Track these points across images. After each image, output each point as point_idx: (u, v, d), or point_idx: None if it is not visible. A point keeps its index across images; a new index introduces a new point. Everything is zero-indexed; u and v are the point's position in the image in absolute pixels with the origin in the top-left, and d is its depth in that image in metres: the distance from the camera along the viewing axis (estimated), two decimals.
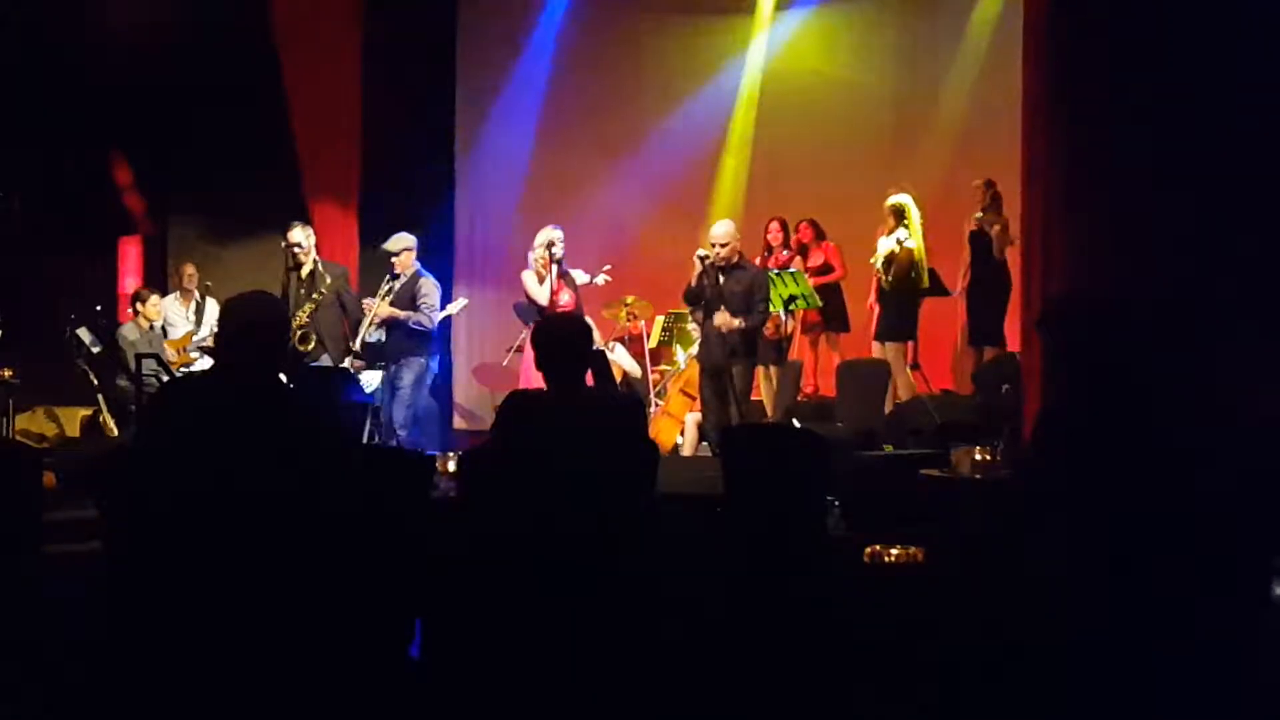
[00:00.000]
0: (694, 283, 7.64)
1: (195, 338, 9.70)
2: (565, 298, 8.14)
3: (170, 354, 9.42)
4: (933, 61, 10.80)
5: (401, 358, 8.28)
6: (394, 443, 8.08)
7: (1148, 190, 5.53)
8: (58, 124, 10.19)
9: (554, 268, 8.10)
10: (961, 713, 3.16)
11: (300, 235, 8.38)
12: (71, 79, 10.13)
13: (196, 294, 10.06)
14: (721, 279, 7.57)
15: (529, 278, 8.24)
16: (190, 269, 10.16)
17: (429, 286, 8.32)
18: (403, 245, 8.39)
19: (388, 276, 8.38)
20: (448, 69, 11.55)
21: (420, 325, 8.26)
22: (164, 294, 10.10)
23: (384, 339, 8.46)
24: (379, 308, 8.22)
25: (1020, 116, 6.36)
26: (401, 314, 8.20)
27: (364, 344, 8.30)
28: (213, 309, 9.92)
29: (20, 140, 9.97)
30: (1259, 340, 5.21)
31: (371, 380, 9.23)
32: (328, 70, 10.44)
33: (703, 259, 7.59)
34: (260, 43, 10.23)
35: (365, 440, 8.99)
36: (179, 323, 9.93)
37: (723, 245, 7.55)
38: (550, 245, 8.11)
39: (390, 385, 8.29)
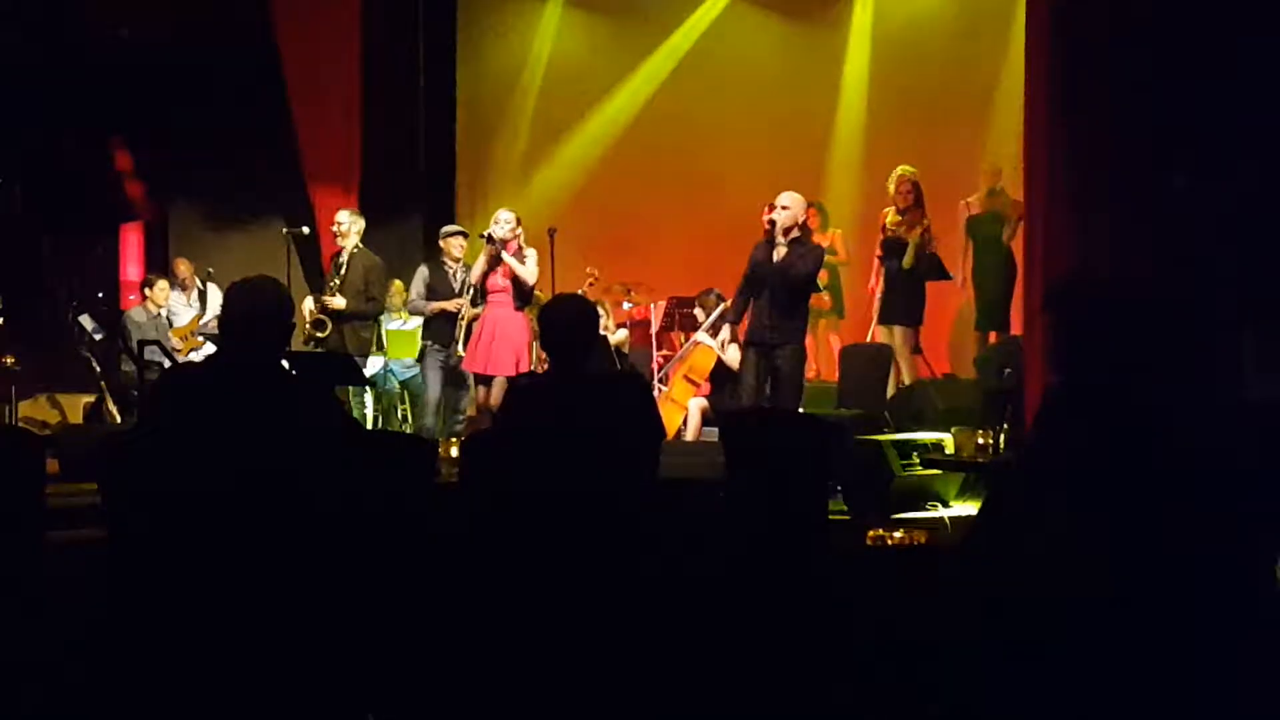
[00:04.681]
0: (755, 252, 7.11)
1: (200, 322, 9.71)
2: (502, 282, 7.80)
3: (176, 341, 9.44)
4: (930, 41, 10.76)
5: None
6: (457, 427, 8.11)
7: (1149, 175, 5.53)
8: (58, 110, 10.19)
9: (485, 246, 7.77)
10: (964, 696, 3.16)
11: (347, 215, 8.39)
12: (72, 65, 10.12)
13: (197, 282, 10.05)
14: (776, 252, 7.01)
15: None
16: (184, 265, 10.12)
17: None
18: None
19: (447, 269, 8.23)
20: (448, 51, 11.53)
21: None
22: (170, 280, 10.11)
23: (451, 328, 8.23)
24: (469, 311, 7.99)
25: (1023, 98, 6.36)
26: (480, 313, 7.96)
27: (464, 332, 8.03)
28: (214, 294, 9.93)
29: (21, 127, 9.97)
30: (1260, 323, 5.22)
31: (373, 365, 9.25)
32: (328, 55, 10.43)
33: (770, 224, 7.02)
34: (260, 28, 10.22)
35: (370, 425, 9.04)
36: (181, 311, 9.94)
37: (783, 208, 6.99)
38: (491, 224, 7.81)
39: (452, 371, 8.19)
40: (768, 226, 7.03)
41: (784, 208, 6.99)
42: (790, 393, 7.04)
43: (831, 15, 11.14)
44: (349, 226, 8.35)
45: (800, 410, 7.12)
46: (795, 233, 7.01)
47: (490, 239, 7.72)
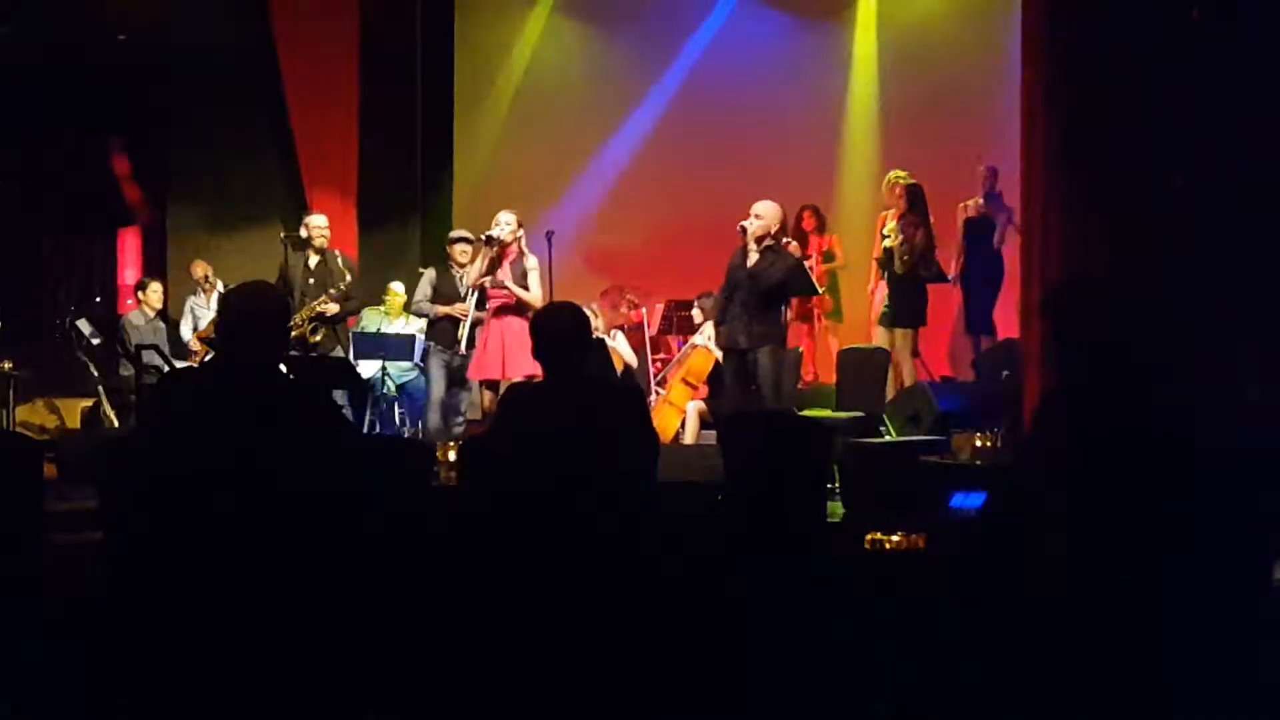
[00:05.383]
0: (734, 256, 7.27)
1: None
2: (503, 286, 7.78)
3: (195, 344, 9.44)
4: (929, 43, 10.77)
5: (470, 349, 8.07)
6: (457, 429, 8.11)
7: (1147, 176, 5.53)
8: (56, 113, 10.18)
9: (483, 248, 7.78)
10: (963, 699, 3.16)
11: (323, 220, 8.40)
12: (70, 67, 10.11)
13: (218, 284, 9.99)
14: (749, 260, 7.18)
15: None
16: (201, 266, 10.05)
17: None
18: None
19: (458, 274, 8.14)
20: (446, 53, 11.53)
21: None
22: (165, 282, 10.06)
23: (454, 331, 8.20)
24: (473, 314, 7.93)
25: (1020, 100, 6.36)
26: (483, 316, 7.92)
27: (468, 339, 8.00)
28: None
29: (19, 129, 9.96)
30: (1259, 324, 5.22)
31: (371, 369, 9.25)
32: (326, 58, 10.43)
33: (741, 230, 7.19)
34: (258, 31, 10.22)
35: (366, 428, 9.04)
36: (204, 315, 9.88)
37: (756, 217, 7.14)
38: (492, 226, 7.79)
39: (455, 373, 8.15)
40: (740, 233, 7.18)
41: (757, 216, 7.16)
42: (771, 394, 7.14)
43: (837, 18, 11.16)
44: (329, 231, 8.40)
45: (789, 412, 7.16)
46: (768, 241, 7.17)
47: (491, 241, 7.70)
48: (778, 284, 7.19)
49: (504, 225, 7.74)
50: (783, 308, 7.46)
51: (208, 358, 9.24)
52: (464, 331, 7.99)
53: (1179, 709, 2.78)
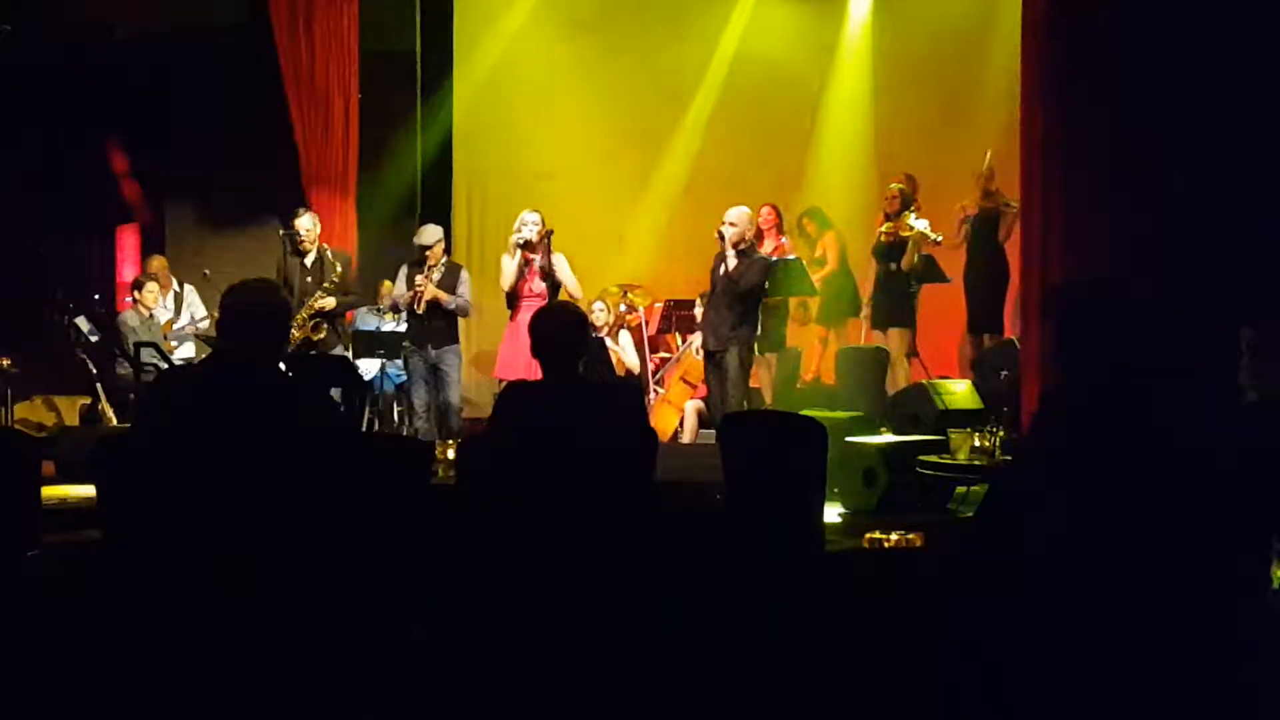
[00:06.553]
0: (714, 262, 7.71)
1: (175, 326, 9.69)
2: (538, 286, 7.92)
3: None
4: (930, 43, 10.76)
5: (445, 345, 8.25)
6: (450, 424, 8.20)
7: (1147, 176, 5.53)
8: (55, 111, 10.17)
9: (517, 252, 7.90)
10: (961, 700, 3.16)
11: (310, 222, 8.42)
12: (68, 65, 10.10)
13: (174, 283, 10.00)
14: (728, 264, 7.54)
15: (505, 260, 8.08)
16: (158, 262, 10.06)
17: (466, 275, 8.35)
18: (436, 237, 8.32)
19: (427, 266, 8.20)
20: (446, 52, 11.51)
21: (464, 312, 8.32)
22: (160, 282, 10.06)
23: (422, 325, 8.31)
24: (429, 289, 8.08)
25: (1020, 100, 6.35)
26: (446, 297, 8.13)
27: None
28: (191, 296, 9.92)
29: (17, 128, 9.95)
30: (1259, 323, 5.22)
31: (371, 368, 9.24)
32: (326, 56, 10.41)
33: (720, 237, 7.59)
34: (258, 28, 10.21)
35: (365, 426, 9.03)
36: (157, 312, 9.88)
37: (730, 225, 7.53)
38: (518, 229, 7.92)
39: (433, 370, 8.24)
40: (718, 239, 7.58)
41: (731, 224, 7.58)
42: (735, 392, 7.49)
43: (835, 21, 11.17)
44: (317, 230, 8.42)
45: (744, 408, 7.47)
46: (743, 245, 7.60)
47: (525, 245, 7.81)
48: (753, 286, 7.60)
49: (530, 225, 7.92)
50: (758, 309, 7.79)
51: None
52: (421, 304, 8.07)
53: (1179, 708, 2.78)
